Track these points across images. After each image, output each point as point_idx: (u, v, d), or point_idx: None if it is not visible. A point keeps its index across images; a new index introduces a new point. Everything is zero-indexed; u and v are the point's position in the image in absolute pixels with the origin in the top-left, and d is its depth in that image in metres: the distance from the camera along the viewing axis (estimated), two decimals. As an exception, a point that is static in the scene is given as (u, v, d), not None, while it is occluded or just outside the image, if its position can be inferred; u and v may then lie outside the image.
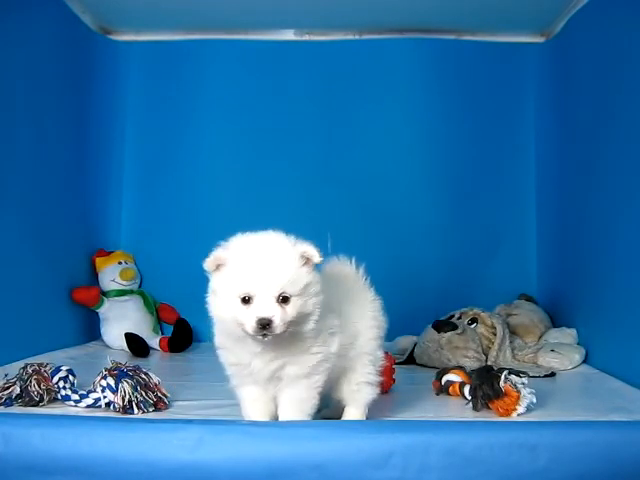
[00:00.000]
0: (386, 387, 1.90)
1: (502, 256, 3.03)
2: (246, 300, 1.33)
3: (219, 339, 1.47)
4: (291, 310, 1.33)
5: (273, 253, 1.34)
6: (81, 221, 2.85)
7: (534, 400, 1.63)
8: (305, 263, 1.36)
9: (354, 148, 3.04)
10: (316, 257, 1.37)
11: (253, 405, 1.46)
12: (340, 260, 1.65)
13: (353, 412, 1.55)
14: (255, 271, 1.32)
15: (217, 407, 1.72)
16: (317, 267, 1.63)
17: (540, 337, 2.60)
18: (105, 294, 2.86)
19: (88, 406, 1.65)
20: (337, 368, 1.48)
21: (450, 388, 1.89)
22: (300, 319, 1.35)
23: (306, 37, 3.07)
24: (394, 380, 1.97)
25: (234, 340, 1.40)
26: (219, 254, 1.37)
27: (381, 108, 3.04)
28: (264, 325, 1.30)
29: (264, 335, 1.32)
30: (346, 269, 1.62)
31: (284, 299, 1.33)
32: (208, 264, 1.39)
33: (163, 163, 3.09)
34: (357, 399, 1.55)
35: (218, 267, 1.38)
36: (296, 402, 1.43)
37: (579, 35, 2.60)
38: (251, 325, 1.31)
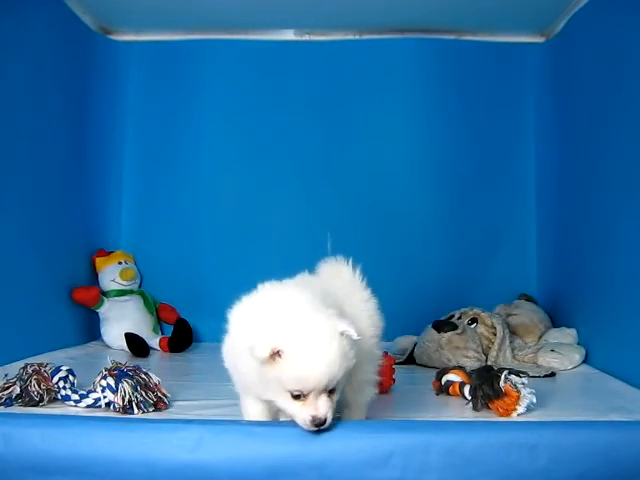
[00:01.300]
0: (386, 387, 1.90)
1: (502, 256, 3.03)
2: (298, 396, 1.26)
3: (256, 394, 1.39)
4: (336, 397, 1.30)
5: (329, 349, 1.24)
6: (81, 221, 2.84)
7: (534, 400, 1.63)
8: (349, 343, 1.28)
9: (354, 148, 3.04)
10: (354, 336, 1.28)
11: (254, 406, 1.45)
12: (337, 260, 1.64)
13: (353, 412, 1.54)
14: (314, 370, 1.23)
15: (217, 407, 1.72)
16: (313, 269, 1.64)
17: (540, 337, 2.60)
18: (105, 294, 2.85)
19: (88, 406, 1.65)
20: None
21: (450, 388, 1.89)
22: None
23: (306, 37, 3.07)
24: (394, 380, 1.97)
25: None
26: (275, 344, 1.24)
27: (381, 108, 3.04)
28: (319, 424, 1.26)
29: (317, 430, 1.28)
30: (342, 269, 1.62)
31: (331, 391, 1.28)
32: (263, 354, 1.23)
33: (163, 163, 3.09)
34: (357, 399, 1.54)
35: (272, 357, 1.25)
36: None
37: (579, 35, 2.60)
38: (303, 421, 1.26)
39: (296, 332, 1.25)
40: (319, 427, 1.27)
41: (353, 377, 1.51)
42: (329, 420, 1.28)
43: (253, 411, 1.44)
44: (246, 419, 1.45)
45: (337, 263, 1.63)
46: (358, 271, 1.62)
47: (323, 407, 1.26)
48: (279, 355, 1.24)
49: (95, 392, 1.64)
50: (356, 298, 1.58)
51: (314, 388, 1.25)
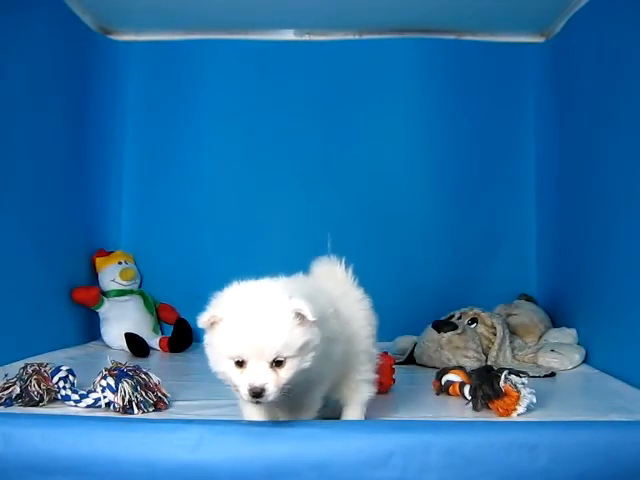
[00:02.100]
0: (386, 387, 1.90)
1: (502, 256, 3.03)
2: (239, 363, 1.26)
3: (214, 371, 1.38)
4: (285, 373, 1.26)
5: (267, 315, 1.25)
6: (81, 221, 2.84)
7: (534, 400, 1.63)
8: (300, 322, 1.26)
9: (354, 148, 3.04)
10: (309, 316, 1.25)
11: (253, 406, 1.45)
12: (329, 259, 1.64)
13: (352, 411, 1.55)
14: (248, 336, 1.24)
15: (217, 407, 1.72)
16: (306, 269, 1.64)
17: (540, 337, 2.60)
18: (105, 294, 2.86)
19: (88, 406, 1.65)
20: (339, 372, 1.48)
21: (450, 388, 1.89)
22: (297, 376, 1.28)
23: (306, 37, 3.06)
24: (394, 380, 1.97)
25: None
26: (213, 312, 1.28)
27: (381, 108, 3.04)
28: (257, 393, 1.24)
29: (257, 402, 1.27)
30: (335, 269, 1.62)
31: (278, 363, 1.25)
32: (203, 322, 1.29)
33: (163, 163, 3.09)
34: (356, 398, 1.54)
35: (212, 325, 1.29)
36: (299, 410, 1.42)
37: (579, 35, 2.60)
38: (244, 391, 1.25)
39: (237, 300, 1.28)
40: (257, 398, 1.25)
41: (351, 377, 1.53)
42: (269, 391, 1.24)
43: (252, 412, 1.44)
44: (245, 419, 1.45)
45: (330, 262, 1.63)
46: (350, 270, 1.63)
47: (260, 376, 1.24)
48: (218, 322, 1.27)
49: (95, 392, 1.64)
50: (351, 297, 1.58)
51: (250, 354, 1.24)
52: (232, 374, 1.27)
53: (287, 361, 1.25)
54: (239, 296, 1.30)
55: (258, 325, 1.24)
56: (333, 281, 1.59)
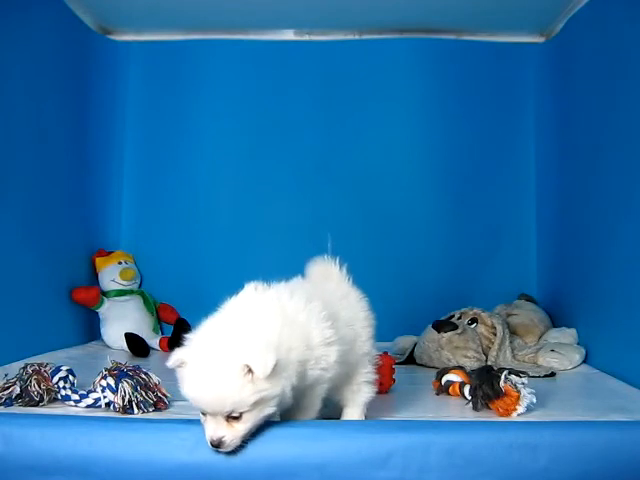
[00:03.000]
0: (386, 387, 1.90)
1: (502, 256, 3.03)
2: (204, 414, 1.26)
3: None
4: (243, 426, 1.24)
5: (217, 374, 1.21)
6: (81, 221, 2.84)
7: (534, 400, 1.63)
8: (252, 378, 1.21)
9: (354, 148, 3.04)
10: (259, 374, 1.20)
11: None
12: (324, 259, 1.63)
13: (352, 411, 1.55)
14: (200, 392, 1.23)
15: (217, 407, 1.72)
16: (302, 271, 1.62)
17: (540, 337, 2.60)
18: (105, 294, 2.86)
19: (88, 406, 1.65)
20: (341, 375, 1.46)
21: (450, 388, 1.89)
22: (258, 423, 1.27)
23: (306, 37, 3.06)
24: (394, 380, 1.97)
25: None
26: (179, 355, 1.27)
27: (381, 108, 3.04)
28: (215, 445, 1.24)
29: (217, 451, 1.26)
30: (330, 269, 1.61)
31: (234, 417, 1.23)
32: (171, 363, 1.27)
33: (163, 163, 3.09)
34: (356, 399, 1.54)
35: (179, 367, 1.27)
36: (299, 411, 1.42)
37: (579, 35, 2.60)
38: (206, 439, 1.25)
39: (195, 349, 1.27)
40: (217, 448, 1.25)
41: (352, 379, 1.53)
42: (227, 444, 1.24)
43: None
44: None
45: (324, 263, 1.63)
46: (345, 270, 1.62)
47: (216, 430, 1.23)
48: (182, 367, 1.26)
49: (95, 392, 1.64)
50: (351, 299, 1.57)
51: (205, 408, 1.24)
52: (201, 419, 1.27)
53: (243, 415, 1.23)
54: (199, 345, 1.28)
55: (208, 384, 1.22)
56: (331, 283, 1.58)
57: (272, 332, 1.28)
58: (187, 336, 1.33)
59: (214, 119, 3.06)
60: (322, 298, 1.43)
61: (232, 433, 1.24)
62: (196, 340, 1.31)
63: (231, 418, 1.23)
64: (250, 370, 1.20)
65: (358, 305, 1.58)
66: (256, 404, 1.23)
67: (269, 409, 1.26)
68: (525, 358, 2.45)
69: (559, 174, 2.80)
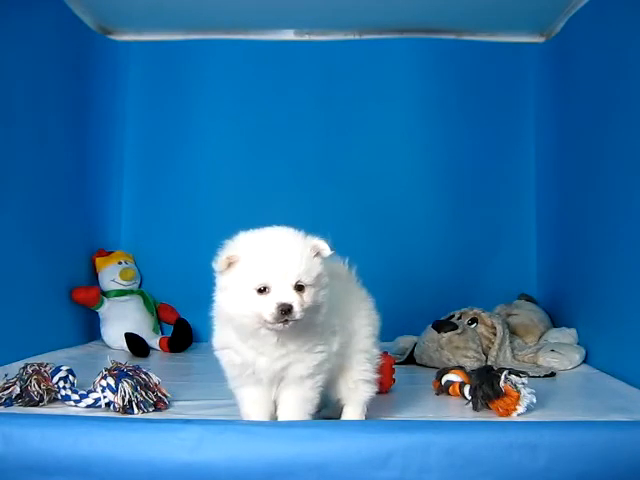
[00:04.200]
0: (386, 387, 1.90)
1: (502, 256, 3.03)
2: (263, 290, 1.34)
3: (223, 339, 1.46)
4: (307, 298, 1.36)
5: (287, 244, 1.38)
6: (81, 221, 2.85)
7: (534, 400, 1.63)
8: (316, 255, 1.40)
9: (354, 148, 3.04)
10: (326, 250, 1.40)
11: (252, 406, 1.47)
12: (333, 259, 1.63)
13: (352, 411, 1.56)
14: (272, 262, 1.35)
15: (217, 407, 1.72)
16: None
17: (540, 337, 2.60)
18: (105, 294, 2.86)
19: (88, 406, 1.65)
20: (336, 367, 1.50)
21: (450, 388, 1.89)
22: (313, 309, 1.38)
23: (306, 37, 3.07)
24: (394, 380, 1.97)
25: (243, 337, 1.41)
26: (231, 252, 1.38)
27: (381, 108, 3.04)
28: (285, 311, 1.32)
29: (285, 321, 1.34)
30: (339, 268, 1.63)
31: (300, 287, 1.36)
32: (220, 264, 1.38)
33: (163, 163, 3.09)
34: (355, 398, 1.56)
35: (230, 265, 1.38)
36: (299, 402, 1.44)
37: (579, 35, 2.60)
38: (271, 312, 1.33)
39: (256, 239, 1.41)
40: (286, 315, 1.33)
41: (350, 376, 1.54)
42: (296, 309, 1.33)
43: (253, 412, 1.46)
44: (244, 418, 1.46)
45: (333, 262, 1.63)
46: (354, 271, 1.65)
47: (289, 295, 1.34)
48: (238, 260, 1.36)
49: (95, 392, 1.64)
50: (353, 297, 1.60)
51: (275, 278, 1.34)
52: (256, 304, 1.34)
53: (306, 288, 1.36)
54: (256, 236, 1.42)
55: (279, 253, 1.36)
56: (337, 281, 1.59)
57: None
58: (225, 246, 1.43)
59: (214, 119, 3.06)
60: (332, 287, 1.49)
61: (299, 301, 1.34)
62: (246, 240, 1.43)
63: (297, 289, 1.35)
64: (317, 252, 1.41)
65: (361, 304, 1.61)
66: (317, 279, 1.38)
67: (321, 294, 1.39)
68: (525, 358, 2.44)
69: (559, 174, 2.80)
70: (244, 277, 1.36)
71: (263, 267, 1.35)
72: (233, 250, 1.39)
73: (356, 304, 1.59)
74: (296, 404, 1.44)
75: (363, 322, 1.58)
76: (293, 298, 1.34)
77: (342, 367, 1.53)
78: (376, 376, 1.58)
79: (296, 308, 1.33)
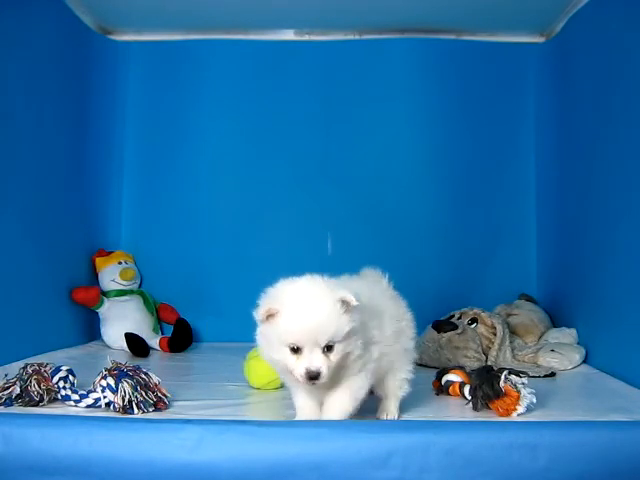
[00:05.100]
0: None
1: (502, 256, 3.03)
2: (295, 350, 1.40)
3: (269, 359, 1.51)
4: (335, 357, 1.41)
5: (319, 306, 1.39)
6: (81, 221, 2.84)
7: (534, 400, 1.63)
8: (345, 310, 1.41)
9: (354, 148, 3.04)
10: (353, 302, 1.40)
11: (305, 391, 1.53)
12: (375, 270, 1.78)
13: (393, 404, 1.65)
14: (304, 325, 1.38)
15: (217, 407, 1.72)
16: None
17: (540, 337, 2.60)
18: (105, 294, 2.85)
19: (88, 406, 1.65)
20: (382, 369, 1.58)
21: (450, 388, 1.89)
22: (343, 358, 1.43)
23: (306, 37, 3.07)
24: (394, 380, 1.97)
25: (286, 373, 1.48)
26: (270, 306, 1.40)
27: (381, 108, 3.04)
28: (313, 377, 1.38)
29: (313, 383, 1.40)
30: (379, 277, 1.76)
31: (329, 347, 1.40)
32: (260, 315, 1.41)
33: (163, 163, 3.09)
34: (397, 393, 1.65)
35: (269, 317, 1.41)
36: (341, 404, 1.50)
37: (579, 35, 2.60)
38: (300, 374, 1.39)
39: (290, 293, 1.42)
40: (313, 380, 1.39)
41: (396, 374, 1.64)
42: (323, 374, 1.39)
43: (304, 401, 1.53)
44: (298, 413, 1.53)
45: (376, 273, 1.77)
46: (387, 276, 1.77)
47: (316, 360, 1.38)
48: (275, 315, 1.39)
49: (95, 392, 1.64)
50: (397, 301, 1.71)
51: (306, 341, 1.38)
52: (288, 360, 1.41)
53: (335, 346, 1.40)
54: (292, 290, 1.43)
55: (313, 316, 1.38)
56: (380, 285, 1.72)
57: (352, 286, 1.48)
58: (265, 295, 1.45)
59: (214, 119, 3.06)
60: (374, 293, 1.59)
61: (327, 364, 1.39)
62: (284, 292, 1.43)
63: (326, 349, 1.39)
64: (344, 303, 1.40)
65: (404, 307, 1.72)
66: (347, 335, 1.41)
67: (350, 345, 1.42)
68: (525, 358, 2.45)
69: (559, 174, 2.80)
70: (279, 333, 1.40)
71: (296, 329, 1.38)
72: (272, 303, 1.41)
73: (400, 306, 1.70)
74: (337, 407, 1.50)
75: (409, 324, 1.69)
76: (321, 363, 1.38)
77: (391, 367, 1.62)
78: (414, 376, 1.68)
79: (324, 372, 1.39)
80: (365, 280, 1.71)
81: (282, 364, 1.42)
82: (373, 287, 1.66)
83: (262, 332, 1.45)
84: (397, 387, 1.64)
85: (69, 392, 1.68)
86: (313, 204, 3.03)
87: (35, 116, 2.42)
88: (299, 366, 1.39)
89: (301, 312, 1.38)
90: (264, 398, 1.90)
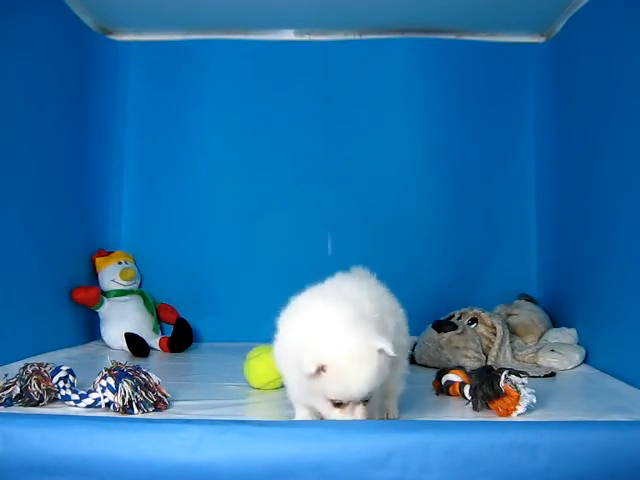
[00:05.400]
0: (386, 387, 1.91)
1: (502, 256, 3.03)
2: (339, 404, 1.38)
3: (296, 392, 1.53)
4: (373, 404, 1.43)
5: (365, 367, 1.36)
6: (81, 221, 2.84)
7: (534, 400, 1.63)
8: (384, 359, 1.39)
9: (354, 148, 3.04)
10: (391, 354, 1.38)
11: (303, 413, 1.53)
12: (363, 270, 1.77)
13: (392, 402, 1.66)
14: (351, 388, 1.36)
15: (217, 407, 1.72)
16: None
17: (540, 337, 2.60)
18: (105, 294, 2.85)
19: (88, 406, 1.65)
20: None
21: (450, 388, 1.89)
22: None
23: (306, 37, 3.07)
24: (394, 380, 1.97)
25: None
26: (320, 362, 1.35)
27: (381, 108, 3.04)
28: None
29: None
30: (367, 274, 1.75)
31: (366, 400, 1.40)
32: (310, 369, 1.35)
33: (163, 163, 3.09)
34: (395, 390, 1.66)
35: (318, 371, 1.38)
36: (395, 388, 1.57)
37: (579, 35, 2.60)
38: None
39: (339, 350, 1.35)
40: None
41: (397, 371, 1.63)
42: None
43: (304, 412, 1.53)
44: (298, 413, 1.53)
45: (364, 273, 1.76)
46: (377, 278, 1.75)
47: (358, 414, 1.38)
48: (323, 370, 1.35)
49: (95, 392, 1.64)
50: (392, 299, 1.71)
51: (353, 399, 1.37)
52: (329, 411, 1.39)
53: (374, 393, 1.40)
54: (337, 345, 1.36)
55: (360, 378, 1.35)
56: (370, 284, 1.71)
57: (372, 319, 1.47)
58: (311, 342, 1.39)
59: (214, 119, 3.06)
60: (371, 291, 1.60)
61: (366, 413, 1.40)
62: (329, 344, 1.37)
63: (364, 401, 1.38)
64: (381, 353, 1.37)
65: (396, 302, 1.73)
66: (382, 383, 1.41)
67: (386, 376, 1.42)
68: (525, 358, 2.45)
69: (559, 174, 2.80)
70: (324, 389, 1.37)
71: (343, 391, 1.36)
72: (322, 359, 1.36)
73: (390, 303, 1.69)
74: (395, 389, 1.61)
75: (403, 318, 1.71)
76: (362, 416, 1.38)
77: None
78: (408, 372, 1.71)
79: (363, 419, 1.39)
80: (358, 278, 1.70)
81: (322, 412, 1.41)
82: (369, 282, 1.67)
83: (309, 384, 1.39)
84: (396, 384, 1.64)
85: (69, 392, 1.68)
86: (313, 204, 3.03)
87: (35, 116, 2.42)
88: (340, 415, 1.39)
89: (349, 375, 1.35)
90: (264, 398, 1.90)
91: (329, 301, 1.47)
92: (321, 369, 1.35)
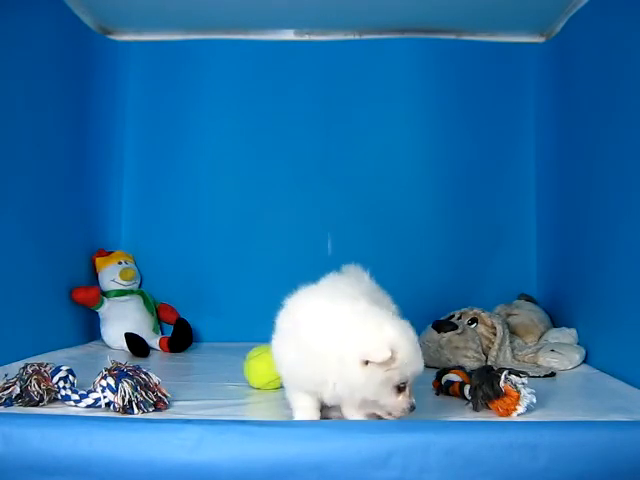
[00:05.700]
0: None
1: (502, 256, 3.03)
2: (399, 388, 1.44)
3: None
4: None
5: (418, 344, 1.49)
6: (81, 221, 2.84)
7: (534, 400, 1.63)
8: None
9: (354, 148, 3.04)
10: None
11: (305, 400, 1.54)
12: (356, 267, 1.81)
13: None
14: (418, 362, 1.47)
15: (217, 407, 1.72)
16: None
17: (540, 337, 2.60)
18: (105, 294, 2.85)
19: (88, 406, 1.65)
20: None
21: (450, 388, 1.89)
22: None
23: (306, 37, 3.06)
24: (394, 380, 1.97)
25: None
26: (390, 347, 1.41)
27: (381, 108, 3.04)
28: (413, 408, 1.46)
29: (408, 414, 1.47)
30: (361, 271, 1.79)
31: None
32: (385, 357, 1.40)
33: (163, 163, 3.09)
34: None
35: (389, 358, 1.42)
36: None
37: (579, 35, 2.60)
38: (402, 409, 1.45)
39: (402, 333, 1.45)
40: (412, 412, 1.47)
41: None
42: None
43: (304, 403, 1.54)
44: (296, 412, 1.53)
45: (357, 269, 1.80)
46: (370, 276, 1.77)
47: (414, 398, 1.47)
48: (395, 353, 1.41)
49: (95, 392, 1.64)
50: (385, 296, 1.73)
51: (419, 374, 1.47)
52: (391, 399, 1.44)
53: None
54: (402, 331, 1.46)
55: (419, 351, 1.48)
56: (365, 280, 1.75)
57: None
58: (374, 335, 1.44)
59: (214, 119, 3.06)
60: (364, 288, 1.63)
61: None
62: (395, 332, 1.45)
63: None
64: None
65: (389, 299, 1.74)
66: None
67: None
68: (525, 358, 2.45)
69: (559, 174, 2.80)
70: (393, 372, 1.41)
71: (413, 366, 1.45)
72: (393, 342, 1.42)
73: (384, 299, 1.72)
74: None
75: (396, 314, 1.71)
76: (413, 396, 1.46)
77: None
78: None
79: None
80: (354, 278, 1.73)
81: (381, 402, 1.44)
82: (362, 280, 1.70)
83: (370, 375, 1.41)
84: None
85: (69, 392, 1.68)
86: (313, 204, 3.03)
87: (35, 116, 2.42)
88: (404, 403, 1.44)
89: (416, 352, 1.46)
90: (264, 398, 1.90)
91: (349, 297, 1.53)
92: (392, 356, 1.40)
